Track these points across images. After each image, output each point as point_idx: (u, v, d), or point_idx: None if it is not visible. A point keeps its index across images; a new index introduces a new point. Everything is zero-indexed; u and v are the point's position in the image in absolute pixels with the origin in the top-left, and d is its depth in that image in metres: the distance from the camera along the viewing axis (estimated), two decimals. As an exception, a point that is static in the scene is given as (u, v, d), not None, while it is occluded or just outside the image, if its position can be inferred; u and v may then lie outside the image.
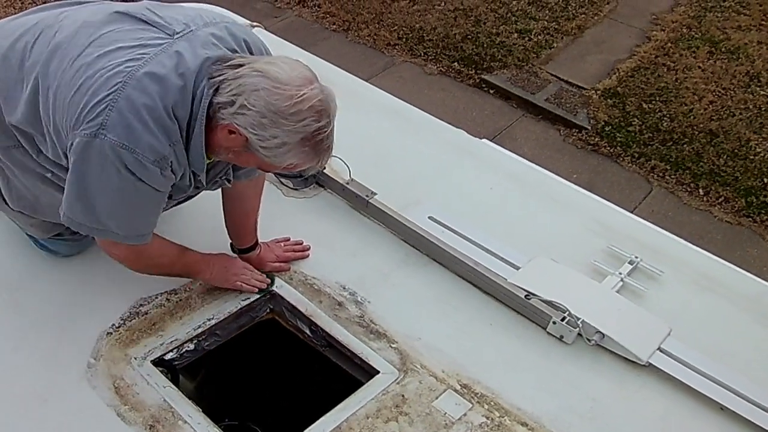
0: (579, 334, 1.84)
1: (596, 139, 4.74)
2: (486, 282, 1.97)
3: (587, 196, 2.43)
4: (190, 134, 1.51)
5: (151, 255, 1.71)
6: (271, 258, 1.96)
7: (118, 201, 1.52)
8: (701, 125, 4.72)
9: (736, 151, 4.54)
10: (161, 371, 1.69)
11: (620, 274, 2.03)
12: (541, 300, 1.90)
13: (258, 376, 2.07)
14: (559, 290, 1.92)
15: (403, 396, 1.70)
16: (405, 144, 2.53)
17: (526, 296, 1.91)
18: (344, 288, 1.95)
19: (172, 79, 1.45)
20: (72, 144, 1.46)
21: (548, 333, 1.88)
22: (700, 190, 4.35)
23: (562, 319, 1.85)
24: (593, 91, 5.07)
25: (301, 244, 2.05)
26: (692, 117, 4.79)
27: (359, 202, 2.19)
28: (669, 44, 5.49)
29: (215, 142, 1.54)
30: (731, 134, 4.65)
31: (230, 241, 1.98)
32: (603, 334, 1.84)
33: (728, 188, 4.32)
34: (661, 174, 4.48)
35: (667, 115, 4.82)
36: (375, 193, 2.18)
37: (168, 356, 1.73)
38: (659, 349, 1.83)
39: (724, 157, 4.50)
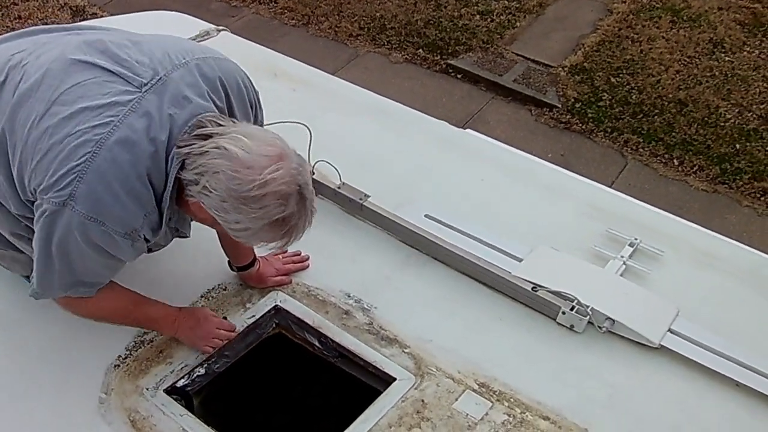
0: (589, 322, 1.84)
1: (567, 117, 4.76)
2: (490, 277, 1.96)
3: (579, 180, 2.43)
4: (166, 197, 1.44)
5: (97, 305, 1.60)
6: (272, 272, 1.92)
7: (74, 268, 1.47)
8: (670, 95, 4.77)
9: (706, 119, 4.59)
10: (175, 399, 1.65)
11: (622, 257, 2.03)
12: (548, 291, 1.89)
13: (273, 392, 2.03)
14: (564, 279, 1.92)
15: (422, 401, 1.68)
16: (391, 142, 2.49)
17: (532, 288, 1.90)
18: (349, 296, 1.92)
19: (144, 144, 1.36)
20: (41, 207, 1.40)
21: (558, 323, 1.87)
22: (675, 161, 4.39)
23: (571, 309, 1.85)
24: (560, 69, 5.08)
25: (300, 254, 2.01)
26: (660, 88, 4.83)
27: (353, 205, 2.15)
28: (631, 16, 5.51)
29: (190, 210, 1.47)
30: (700, 102, 4.70)
31: (227, 259, 1.93)
32: (613, 320, 1.84)
33: (701, 156, 4.37)
34: (634, 147, 4.51)
35: (636, 88, 4.85)
36: (368, 196, 2.15)
37: (180, 383, 1.69)
38: (670, 330, 1.84)
39: (695, 125, 4.55)
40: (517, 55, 5.29)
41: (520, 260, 2.01)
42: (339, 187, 2.17)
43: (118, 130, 1.34)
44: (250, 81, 1.61)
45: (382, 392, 1.71)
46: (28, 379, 1.68)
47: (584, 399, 1.72)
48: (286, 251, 2.01)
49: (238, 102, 1.55)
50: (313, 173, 2.18)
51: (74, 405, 1.63)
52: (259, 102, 1.64)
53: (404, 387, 1.70)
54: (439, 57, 5.29)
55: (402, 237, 2.09)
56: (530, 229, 2.14)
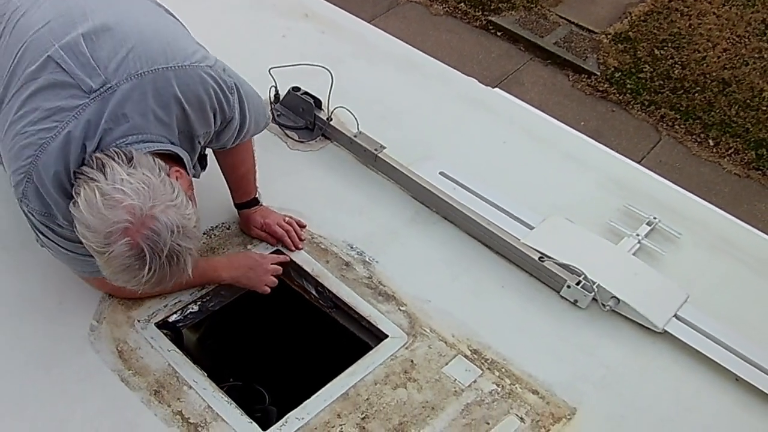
0: (594, 299, 1.79)
1: (605, 86, 4.63)
2: (498, 242, 1.91)
3: (604, 151, 2.35)
4: None
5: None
6: (276, 221, 1.87)
7: (58, 250, 1.54)
8: (714, 74, 4.60)
9: (748, 101, 4.43)
10: (165, 334, 1.64)
11: (637, 235, 1.97)
12: (555, 262, 1.84)
13: (264, 336, 2.02)
14: (574, 252, 1.87)
15: (412, 361, 1.66)
16: (415, 94, 2.43)
17: (539, 258, 1.86)
18: (352, 247, 1.89)
19: (77, 150, 1.38)
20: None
21: (562, 297, 1.83)
22: (710, 141, 4.26)
23: (577, 283, 1.80)
24: (604, 36, 4.93)
25: (305, 226, 1.92)
26: (705, 65, 4.66)
27: (368, 156, 2.10)
28: (683, -13, 5.31)
29: None
30: (744, 84, 4.53)
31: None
32: (618, 300, 1.79)
33: (739, 139, 4.23)
34: (670, 123, 4.38)
35: (679, 63, 4.69)
36: (384, 147, 2.09)
37: (172, 318, 1.68)
38: (676, 316, 1.79)
39: (736, 107, 4.40)
40: (561, 17, 5.13)
41: (532, 228, 1.96)
42: (355, 136, 2.12)
43: (59, 137, 1.38)
44: (218, 87, 1.52)
45: (372, 347, 1.69)
46: (25, 300, 1.69)
47: (577, 377, 1.68)
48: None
49: (197, 113, 1.50)
50: (331, 119, 2.15)
51: (66, 330, 1.62)
52: (225, 106, 1.56)
53: (395, 345, 1.68)
54: (480, 12, 5.15)
55: (413, 192, 2.05)
56: (547, 198, 2.08)
